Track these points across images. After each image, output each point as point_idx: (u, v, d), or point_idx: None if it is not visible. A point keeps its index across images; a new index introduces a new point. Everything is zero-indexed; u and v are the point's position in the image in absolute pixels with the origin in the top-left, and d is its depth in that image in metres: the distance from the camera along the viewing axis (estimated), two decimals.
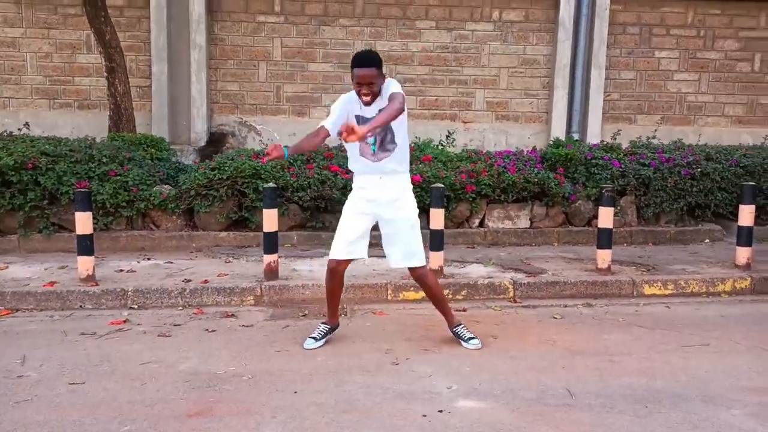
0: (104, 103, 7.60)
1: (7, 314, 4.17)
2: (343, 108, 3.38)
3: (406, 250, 3.49)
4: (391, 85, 3.32)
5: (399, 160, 3.45)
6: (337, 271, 3.54)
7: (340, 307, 3.81)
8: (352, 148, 3.45)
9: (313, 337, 3.63)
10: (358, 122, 3.27)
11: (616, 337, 3.88)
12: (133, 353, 3.48)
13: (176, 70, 8.18)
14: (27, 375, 3.15)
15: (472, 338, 3.66)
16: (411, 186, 3.58)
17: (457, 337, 3.68)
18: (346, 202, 3.58)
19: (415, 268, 3.53)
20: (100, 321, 4.05)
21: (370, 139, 3.36)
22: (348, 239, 3.47)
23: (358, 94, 3.31)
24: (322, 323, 3.74)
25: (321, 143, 3.45)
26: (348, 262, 3.55)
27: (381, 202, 3.46)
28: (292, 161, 6.03)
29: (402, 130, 3.41)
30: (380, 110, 3.28)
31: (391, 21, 8.45)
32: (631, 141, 7.28)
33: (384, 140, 3.38)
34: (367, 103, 3.33)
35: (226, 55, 8.35)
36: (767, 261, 5.39)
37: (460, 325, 3.72)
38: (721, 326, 4.12)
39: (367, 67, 3.25)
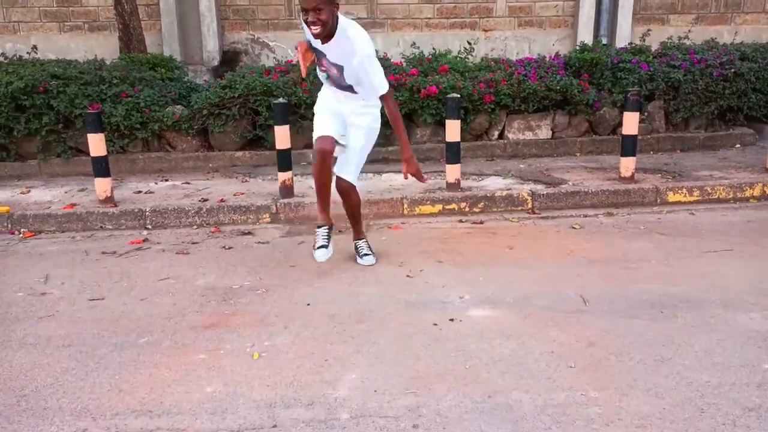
0: (114, 25, 7.42)
1: (30, 236, 4.27)
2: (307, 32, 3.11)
3: (357, 163, 3.33)
4: (357, 52, 2.96)
5: (366, 99, 3.25)
6: (325, 152, 3.18)
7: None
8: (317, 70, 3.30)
9: (323, 246, 3.43)
10: (319, 56, 3.12)
11: (635, 244, 3.80)
12: (152, 270, 3.55)
13: None
14: (50, 293, 3.24)
15: (368, 254, 3.56)
16: (379, 105, 3.30)
17: (355, 251, 3.61)
18: (320, 101, 3.39)
19: (343, 179, 3.32)
20: (120, 241, 4.12)
21: (325, 75, 3.23)
22: (332, 124, 3.25)
23: (306, 24, 2.94)
24: (319, 227, 3.50)
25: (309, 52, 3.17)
26: (334, 146, 3.23)
27: (346, 111, 3.30)
28: (303, 78, 5.85)
29: (364, 83, 3.11)
30: (336, 64, 3.07)
31: None
32: (662, 42, 6.87)
33: (335, 81, 3.20)
34: (317, 36, 2.95)
35: None
36: None
37: (363, 239, 3.63)
38: (746, 232, 4.00)
39: None
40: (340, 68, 3.11)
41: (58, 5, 7.98)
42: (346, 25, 3.04)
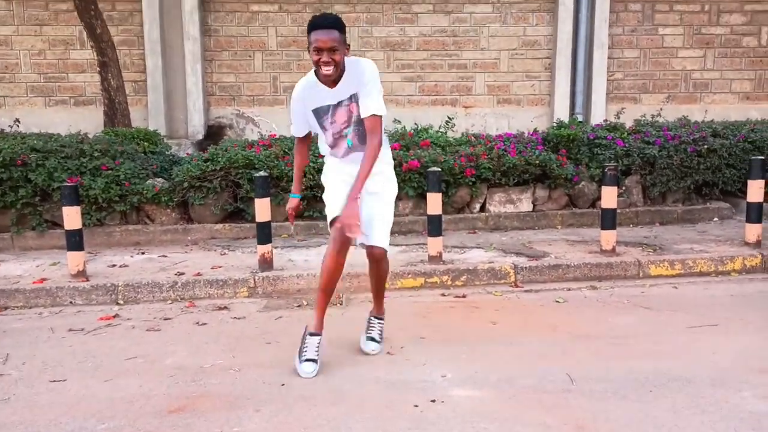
0: (100, 99, 7.52)
1: None
2: (300, 105, 2.94)
3: (387, 229, 3.07)
4: (367, 70, 2.79)
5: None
6: (346, 243, 2.88)
7: (334, 296, 3.60)
8: (321, 142, 3.09)
9: (313, 360, 2.98)
10: (321, 115, 2.91)
11: (620, 319, 3.73)
12: (119, 349, 3.38)
13: (171, 64, 8.08)
14: (8, 374, 3.05)
15: (377, 340, 3.26)
16: (392, 162, 3.17)
17: (367, 329, 3.32)
18: (327, 174, 3.14)
19: (378, 247, 3.05)
20: (89, 317, 3.96)
21: (346, 131, 2.93)
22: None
23: (317, 65, 2.73)
24: (312, 335, 3.03)
25: (308, 149, 3.25)
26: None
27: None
28: (286, 150, 5.90)
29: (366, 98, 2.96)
30: (351, 96, 2.83)
31: (387, 6, 8.29)
32: (636, 120, 7.09)
33: (360, 134, 2.92)
34: (328, 77, 2.75)
35: (220, 46, 8.24)
36: None
37: (382, 319, 3.37)
38: (730, 306, 3.96)
39: (327, 29, 2.68)
40: (355, 98, 2.85)
41: (45, 80, 8.09)
42: (349, 58, 2.88)
